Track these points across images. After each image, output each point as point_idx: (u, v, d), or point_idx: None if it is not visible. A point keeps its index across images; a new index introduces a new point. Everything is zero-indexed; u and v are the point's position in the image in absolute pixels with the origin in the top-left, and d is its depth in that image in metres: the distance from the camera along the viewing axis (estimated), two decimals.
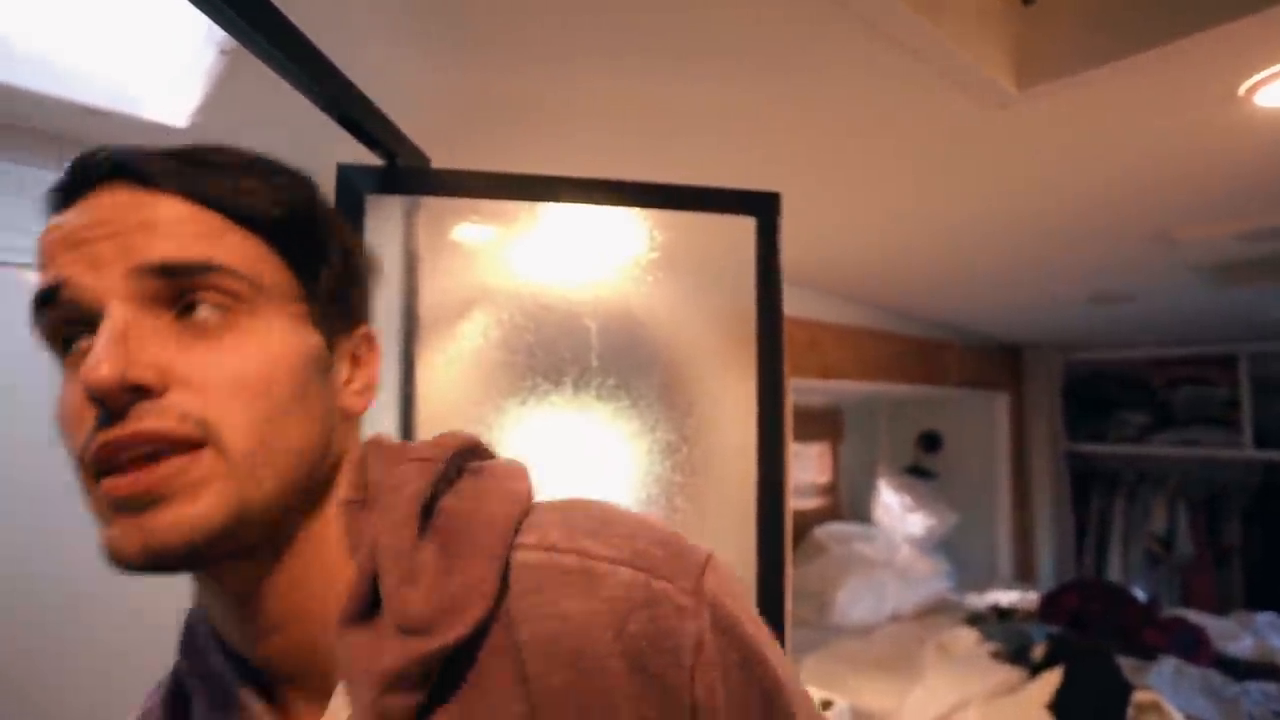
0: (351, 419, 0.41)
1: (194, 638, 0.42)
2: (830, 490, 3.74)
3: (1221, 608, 3.15)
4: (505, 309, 0.87)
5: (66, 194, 0.36)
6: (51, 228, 0.35)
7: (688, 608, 0.36)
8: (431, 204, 0.89)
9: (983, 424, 3.69)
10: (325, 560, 0.37)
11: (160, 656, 0.50)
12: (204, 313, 0.34)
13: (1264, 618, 2.73)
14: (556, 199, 0.91)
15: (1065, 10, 0.98)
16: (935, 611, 2.99)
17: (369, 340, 0.43)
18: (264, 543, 0.35)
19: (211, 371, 0.33)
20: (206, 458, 0.32)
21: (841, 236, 1.77)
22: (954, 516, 3.33)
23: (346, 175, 0.78)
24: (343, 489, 0.39)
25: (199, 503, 0.31)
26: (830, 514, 3.67)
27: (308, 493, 0.37)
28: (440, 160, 0.90)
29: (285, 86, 0.64)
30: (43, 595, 1.03)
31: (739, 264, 0.87)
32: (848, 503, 3.79)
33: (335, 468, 0.39)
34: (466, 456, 0.43)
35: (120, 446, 0.31)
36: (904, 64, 0.92)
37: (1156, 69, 0.93)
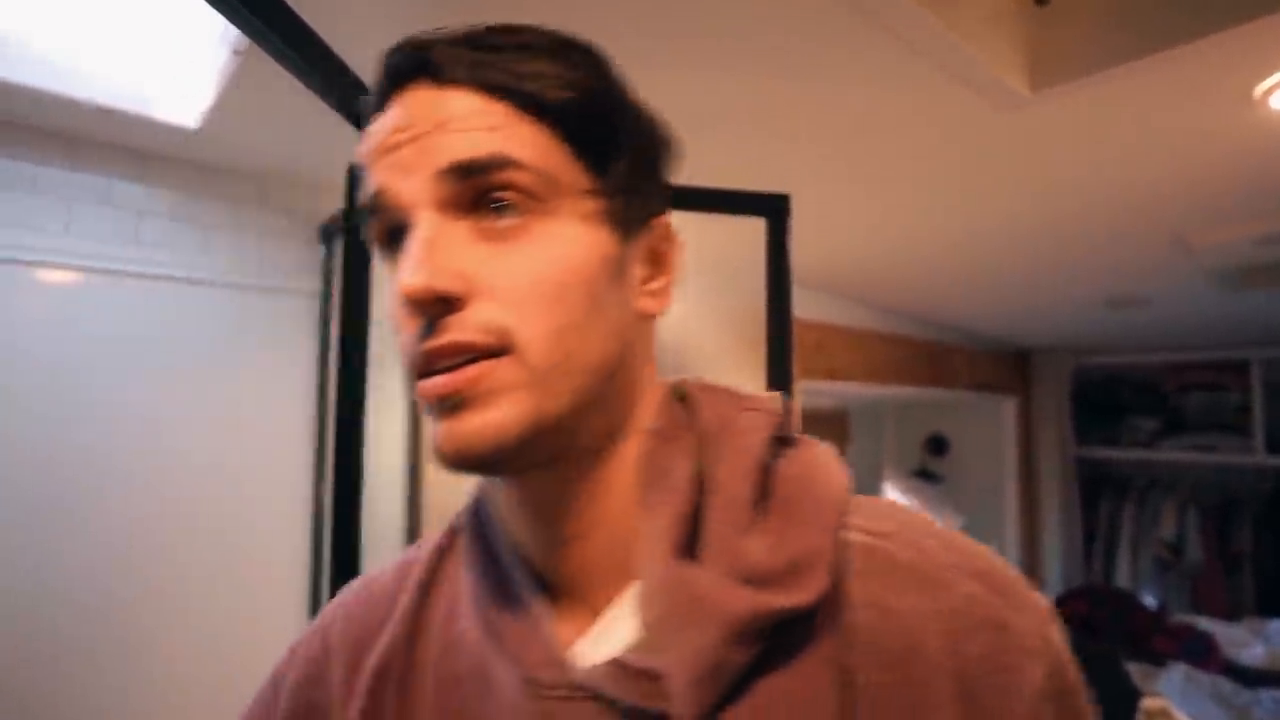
0: (648, 322, 0.39)
1: (481, 516, 0.41)
2: None
3: (1232, 614, 3.12)
4: None
5: (380, 96, 0.35)
6: (368, 134, 0.35)
7: (1036, 650, 0.32)
8: None
9: (990, 428, 3.66)
10: (621, 481, 0.36)
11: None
12: (503, 214, 0.32)
13: (1276, 625, 2.70)
14: None
15: (1079, 11, 0.97)
16: None
17: (668, 234, 0.40)
18: (562, 455, 0.35)
19: (510, 279, 0.32)
20: (506, 366, 0.32)
21: (852, 239, 1.76)
22: (960, 520, 3.31)
23: (357, 174, 0.78)
24: (646, 415, 0.37)
25: (495, 411, 0.31)
26: None
27: (605, 407, 0.35)
28: None
29: (299, 87, 0.64)
30: (40, 596, 1.04)
31: (749, 265, 0.87)
32: None
33: (633, 382, 0.37)
34: (787, 421, 0.40)
35: (436, 356, 0.32)
36: (916, 65, 0.91)
37: (1170, 71, 0.92)
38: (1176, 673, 1.98)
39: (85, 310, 1.09)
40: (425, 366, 0.32)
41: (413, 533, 0.85)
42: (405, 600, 0.41)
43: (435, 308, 0.31)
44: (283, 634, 1.27)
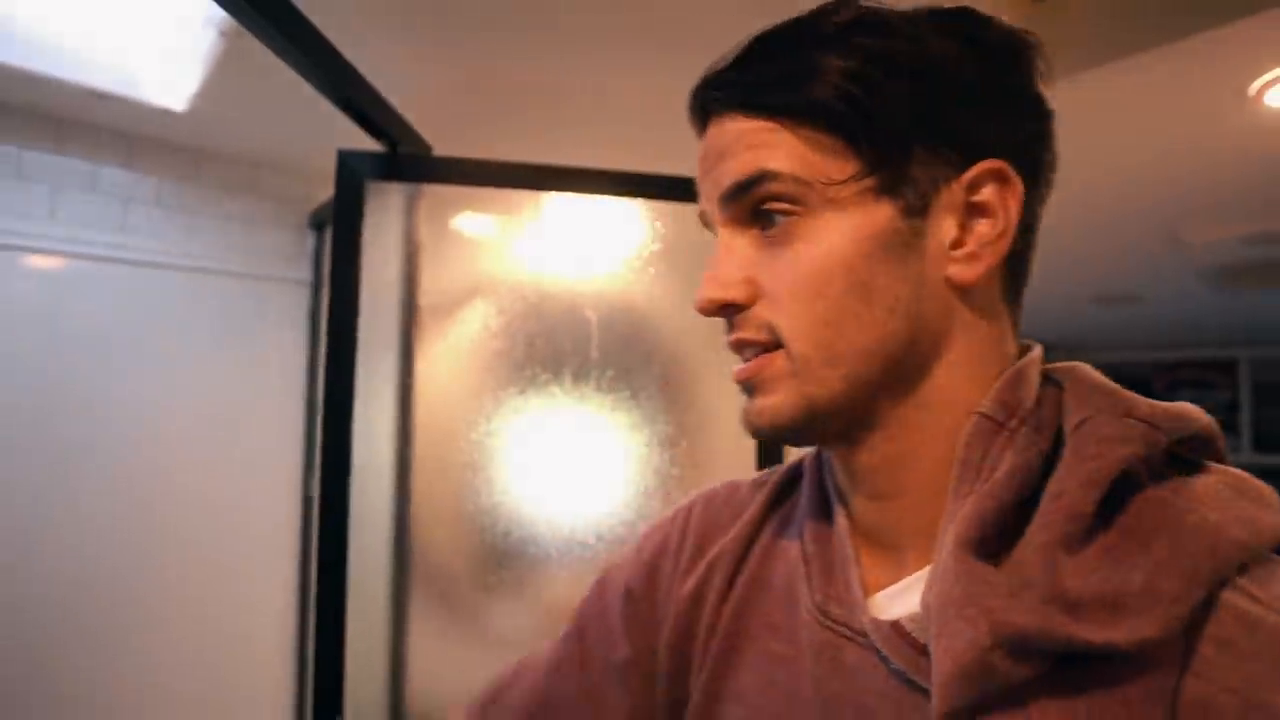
0: (963, 290, 0.35)
1: (823, 455, 0.43)
2: None
3: None
4: (506, 299, 0.86)
5: (697, 130, 0.40)
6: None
7: None
8: (433, 192, 0.88)
9: None
10: (930, 455, 0.36)
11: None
12: (772, 222, 0.36)
13: None
14: (558, 189, 0.90)
15: (1075, 7, 0.97)
16: None
17: (993, 180, 0.35)
18: (856, 427, 0.37)
19: (778, 282, 0.36)
20: (779, 360, 0.36)
21: None
22: None
23: (347, 162, 0.77)
24: (976, 392, 0.35)
25: (773, 397, 0.36)
26: None
27: (896, 385, 0.36)
28: (443, 148, 0.89)
29: (286, 71, 0.64)
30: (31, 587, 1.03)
31: None
32: None
33: (939, 357, 0.36)
34: (1198, 446, 0.33)
35: (734, 348, 0.38)
36: None
37: (1165, 67, 0.92)
38: None
39: (70, 297, 1.08)
40: (738, 355, 0.38)
41: (401, 521, 0.85)
42: (753, 509, 0.45)
43: (725, 312, 0.37)
44: (272, 623, 1.27)
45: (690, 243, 0.87)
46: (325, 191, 1.13)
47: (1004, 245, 0.35)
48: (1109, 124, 1.10)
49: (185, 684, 1.14)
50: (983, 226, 0.35)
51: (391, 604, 0.86)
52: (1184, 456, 0.33)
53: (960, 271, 0.35)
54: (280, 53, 0.61)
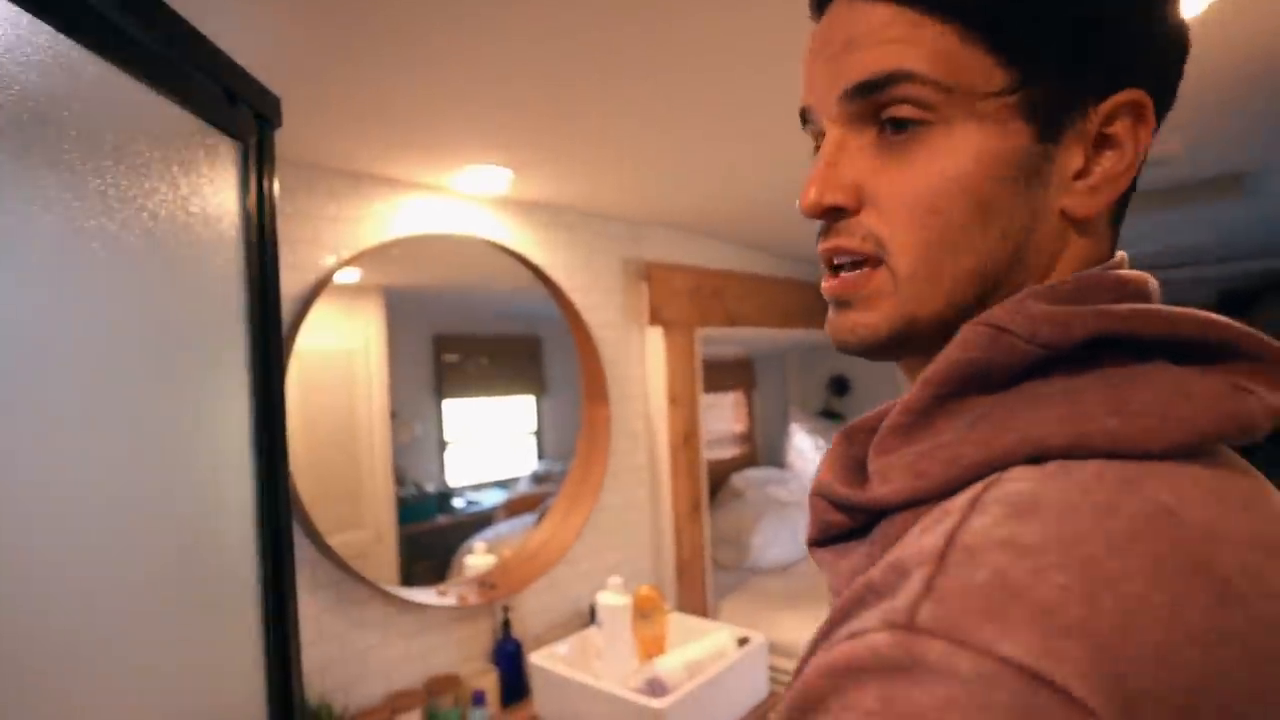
0: (1075, 220, 0.35)
1: None
2: (747, 439, 3.83)
3: None
4: None
5: (813, 6, 0.38)
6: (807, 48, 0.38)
7: (869, 648, 0.24)
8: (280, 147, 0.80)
9: (888, 367, 3.82)
10: None
11: None
12: (900, 129, 0.33)
13: None
14: None
15: None
16: None
17: (1130, 113, 0.33)
18: (936, 345, 0.35)
19: (893, 192, 0.34)
20: (880, 275, 0.35)
21: (739, 184, 1.76)
22: None
23: (184, 115, 0.69)
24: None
25: (870, 314, 0.36)
26: (748, 461, 3.76)
27: (990, 302, 0.34)
28: (298, 99, 0.81)
29: None
30: None
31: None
32: (763, 449, 3.89)
33: (1035, 276, 0.35)
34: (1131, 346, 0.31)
35: (827, 255, 0.37)
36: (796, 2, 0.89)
37: None
38: None
39: None
40: (825, 264, 0.38)
41: (271, 518, 0.78)
42: None
43: (829, 215, 0.35)
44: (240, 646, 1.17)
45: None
46: None
47: (1126, 181, 0.34)
48: None
49: None
50: (1109, 159, 0.34)
51: None
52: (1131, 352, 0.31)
53: (1079, 204, 0.34)
54: None
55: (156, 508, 0.65)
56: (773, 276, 2.68)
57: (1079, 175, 0.34)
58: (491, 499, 2.10)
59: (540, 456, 2.28)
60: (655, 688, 1.51)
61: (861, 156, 0.35)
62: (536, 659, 1.60)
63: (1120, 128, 0.34)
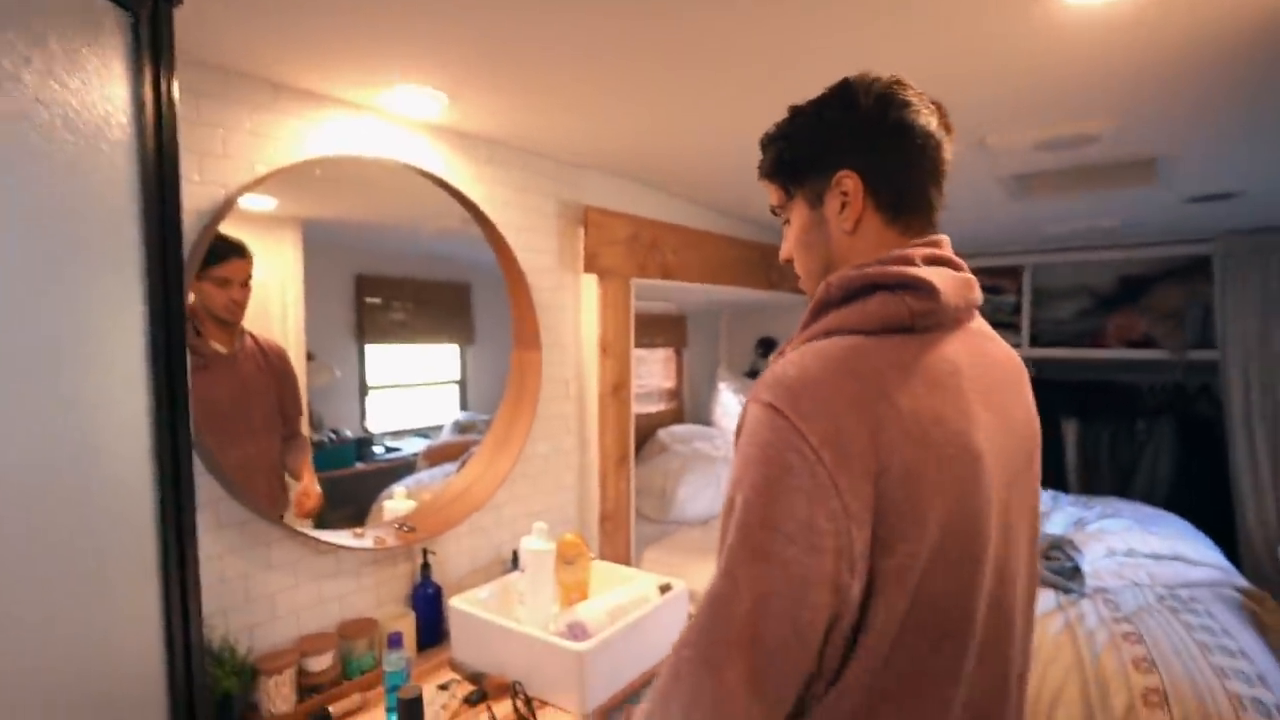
0: (847, 235, 0.77)
1: None
2: (675, 395, 3.86)
3: None
4: None
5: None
6: None
7: (749, 410, 0.70)
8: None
9: None
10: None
11: None
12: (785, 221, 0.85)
13: None
14: None
15: None
16: None
17: (843, 184, 0.76)
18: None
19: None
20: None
21: (680, 132, 1.71)
22: None
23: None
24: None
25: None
26: (675, 418, 3.80)
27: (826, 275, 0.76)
28: None
29: None
30: None
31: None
32: (691, 407, 3.94)
33: (841, 262, 0.77)
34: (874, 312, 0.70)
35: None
36: None
37: None
38: None
39: None
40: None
41: (169, 445, 0.71)
42: None
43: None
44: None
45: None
46: None
47: (858, 208, 0.76)
48: (907, 23, 1.11)
49: None
50: (847, 203, 0.76)
51: None
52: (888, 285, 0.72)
53: (843, 224, 0.77)
54: None
55: (33, 426, 0.58)
56: (710, 232, 2.66)
57: (839, 211, 0.77)
58: (413, 447, 2.04)
59: (464, 407, 2.21)
60: (577, 632, 1.51)
61: (786, 235, 0.86)
62: (456, 603, 1.58)
63: (847, 188, 0.76)
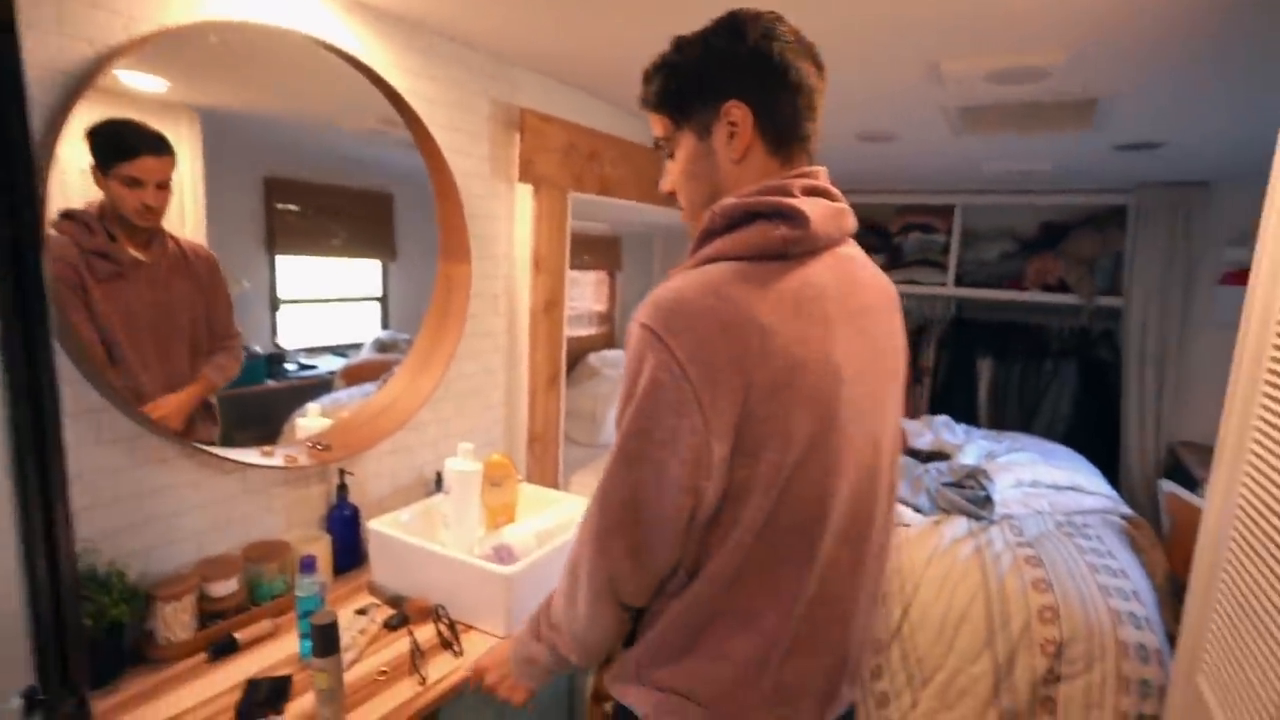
0: (734, 165, 0.81)
1: None
2: (607, 319, 3.79)
3: (911, 414, 3.84)
4: None
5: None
6: None
7: (632, 332, 0.76)
8: None
9: None
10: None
11: None
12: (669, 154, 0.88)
13: (940, 419, 3.37)
14: None
15: None
16: None
17: (731, 114, 0.79)
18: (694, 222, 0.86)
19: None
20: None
21: (616, 34, 1.58)
22: None
23: None
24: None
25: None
26: (606, 343, 3.74)
27: (711, 203, 0.81)
28: None
29: None
30: None
31: None
32: (623, 331, 3.88)
33: (727, 190, 0.81)
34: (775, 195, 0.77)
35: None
36: None
37: None
38: None
39: None
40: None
41: (23, 334, 0.59)
42: None
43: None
44: None
45: None
46: None
47: (747, 136, 0.79)
48: None
49: None
50: (737, 132, 0.79)
51: None
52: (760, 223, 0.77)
53: (731, 154, 0.80)
54: None
55: None
56: (649, 148, 2.54)
57: (728, 144, 0.80)
58: (330, 365, 1.90)
59: (385, 325, 2.07)
60: (503, 555, 1.47)
61: (668, 169, 0.88)
62: (375, 525, 1.50)
63: (736, 118, 0.79)
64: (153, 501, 1.27)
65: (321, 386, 1.85)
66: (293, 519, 1.54)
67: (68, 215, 1.14)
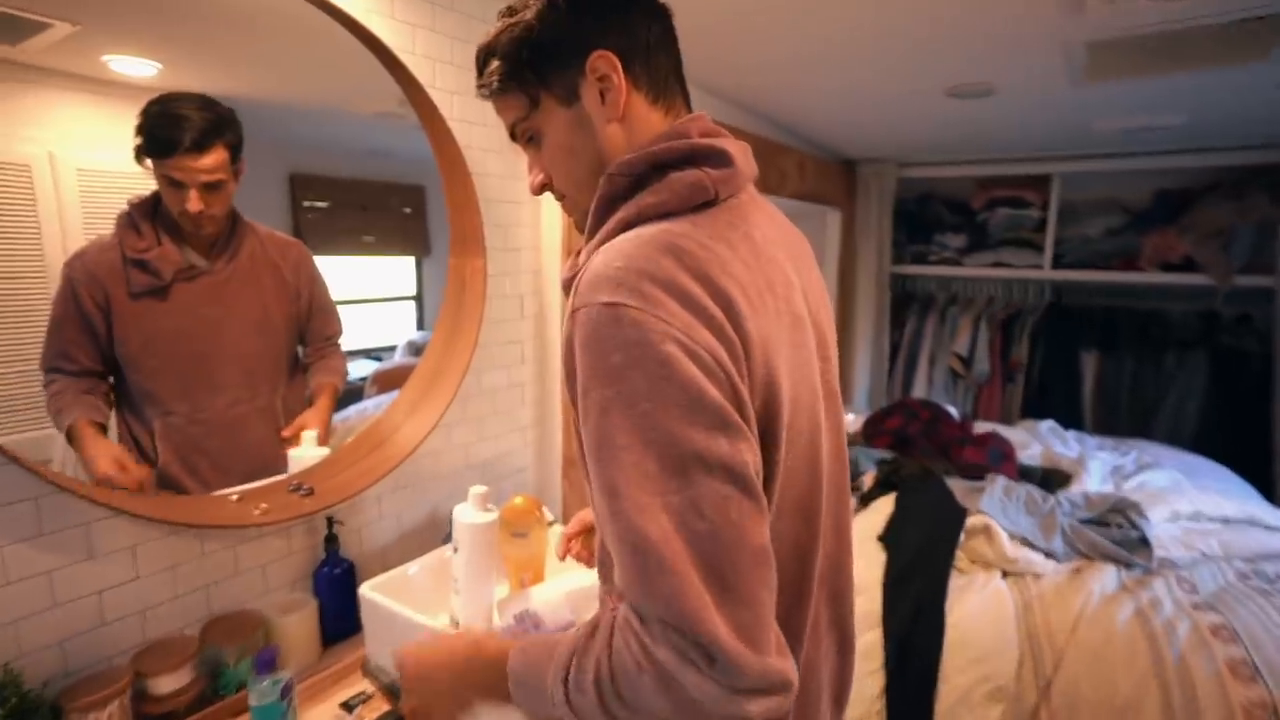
0: (617, 124, 0.69)
1: None
2: None
3: (1005, 419, 3.37)
4: None
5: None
6: None
7: (578, 318, 0.59)
8: None
9: (815, 240, 3.50)
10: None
11: None
12: (531, 140, 0.74)
13: (1045, 425, 2.90)
14: None
15: None
16: None
17: (605, 61, 0.66)
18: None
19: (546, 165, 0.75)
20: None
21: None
22: None
23: None
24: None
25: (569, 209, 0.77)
26: None
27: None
28: None
29: None
30: None
31: None
32: None
33: (617, 151, 0.68)
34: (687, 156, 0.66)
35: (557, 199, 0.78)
36: None
37: None
38: (997, 488, 1.94)
39: None
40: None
41: None
42: None
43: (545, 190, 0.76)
44: None
45: None
46: None
47: (622, 89, 0.67)
48: None
49: None
50: (610, 86, 0.67)
51: None
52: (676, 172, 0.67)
53: (609, 112, 0.68)
54: None
55: None
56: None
57: (603, 103, 0.68)
58: (361, 371, 1.72)
59: (420, 326, 1.89)
60: (528, 624, 1.15)
61: (534, 158, 0.75)
62: (368, 591, 1.18)
63: (604, 69, 0.67)
64: (73, 577, 0.97)
65: (351, 395, 1.66)
66: (271, 580, 1.24)
67: (127, 214, 1.03)
